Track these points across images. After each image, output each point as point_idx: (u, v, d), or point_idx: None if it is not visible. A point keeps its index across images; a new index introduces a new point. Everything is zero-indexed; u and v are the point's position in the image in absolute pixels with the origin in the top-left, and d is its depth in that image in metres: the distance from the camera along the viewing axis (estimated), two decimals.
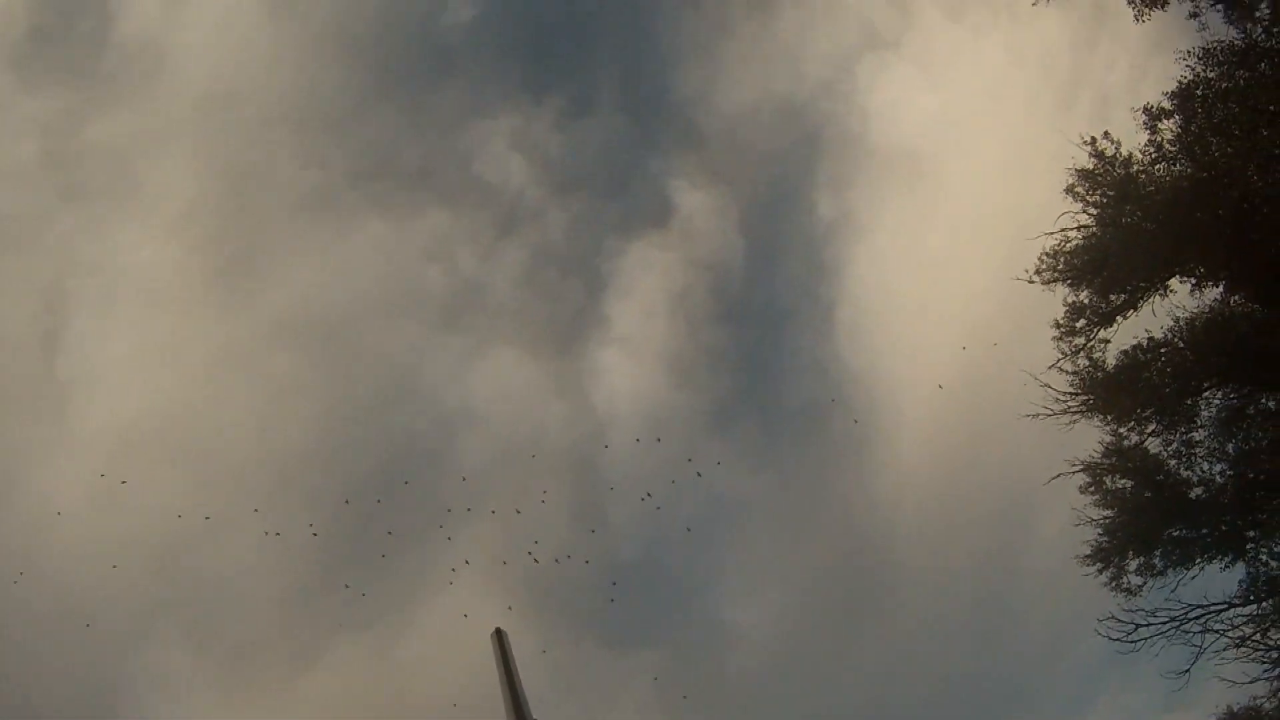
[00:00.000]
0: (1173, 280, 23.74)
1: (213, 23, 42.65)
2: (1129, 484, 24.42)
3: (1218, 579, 23.55)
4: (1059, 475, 24.34)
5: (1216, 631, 22.81)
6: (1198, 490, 24.46)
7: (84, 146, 41.99)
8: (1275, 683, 22.62)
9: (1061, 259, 23.71)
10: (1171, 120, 22.74)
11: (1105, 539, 24.03)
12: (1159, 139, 22.76)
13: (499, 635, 12.66)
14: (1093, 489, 24.49)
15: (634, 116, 45.28)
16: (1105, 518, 24.08)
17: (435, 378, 36.41)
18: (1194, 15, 23.11)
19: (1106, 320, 23.92)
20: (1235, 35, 22.63)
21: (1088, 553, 24.11)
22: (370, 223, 42.02)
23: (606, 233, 43.57)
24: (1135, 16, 23.77)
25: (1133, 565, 23.88)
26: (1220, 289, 23.94)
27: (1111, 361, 24.07)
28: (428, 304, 40.61)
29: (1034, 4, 24.56)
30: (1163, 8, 23.55)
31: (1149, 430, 24.27)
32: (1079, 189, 23.60)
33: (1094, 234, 23.43)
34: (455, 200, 43.38)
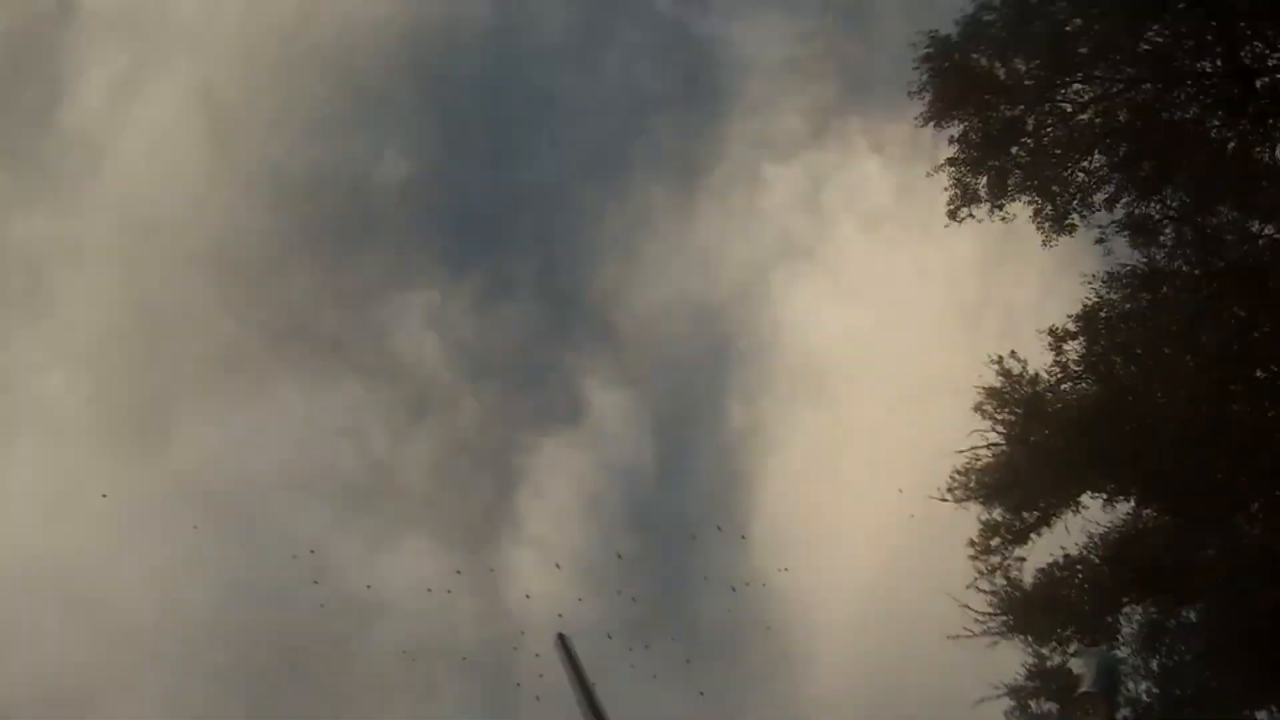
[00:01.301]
0: (1084, 496, 23.45)
1: (154, 131, 41.45)
2: (1054, 707, 23.53)
3: None
4: (983, 700, 23.36)
5: None
6: (1124, 712, 23.67)
7: (5, 241, 40.23)
8: None
9: (973, 477, 23.39)
10: (1077, 341, 22.93)
11: None
12: (1064, 359, 22.87)
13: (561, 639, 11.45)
14: (1018, 713, 23.54)
15: (551, 306, 45.30)
16: None
17: (342, 561, 34.50)
18: (1100, 240, 23.91)
19: (1021, 538, 23.53)
20: (1139, 259, 23.22)
21: None
22: (284, 387, 40.54)
23: (519, 427, 42.68)
24: (1043, 242, 24.48)
25: None
26: (1132, 503, 23.69)
27: (1029, 580, 23.58)
28: (337, 482, 38.93)
29: (945, 226, 25.77)
30: (1070, 234, 24.24)
31: (1071, 650, 23.53)
32: (988, 407, 23.49)
33: (1004, 452, 23.25)
34: (370, 374, 42.29)
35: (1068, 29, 25.50)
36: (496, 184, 46.69)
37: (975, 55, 25.92)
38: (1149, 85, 25.31)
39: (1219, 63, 24.98)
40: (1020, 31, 25.37)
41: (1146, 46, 25.08)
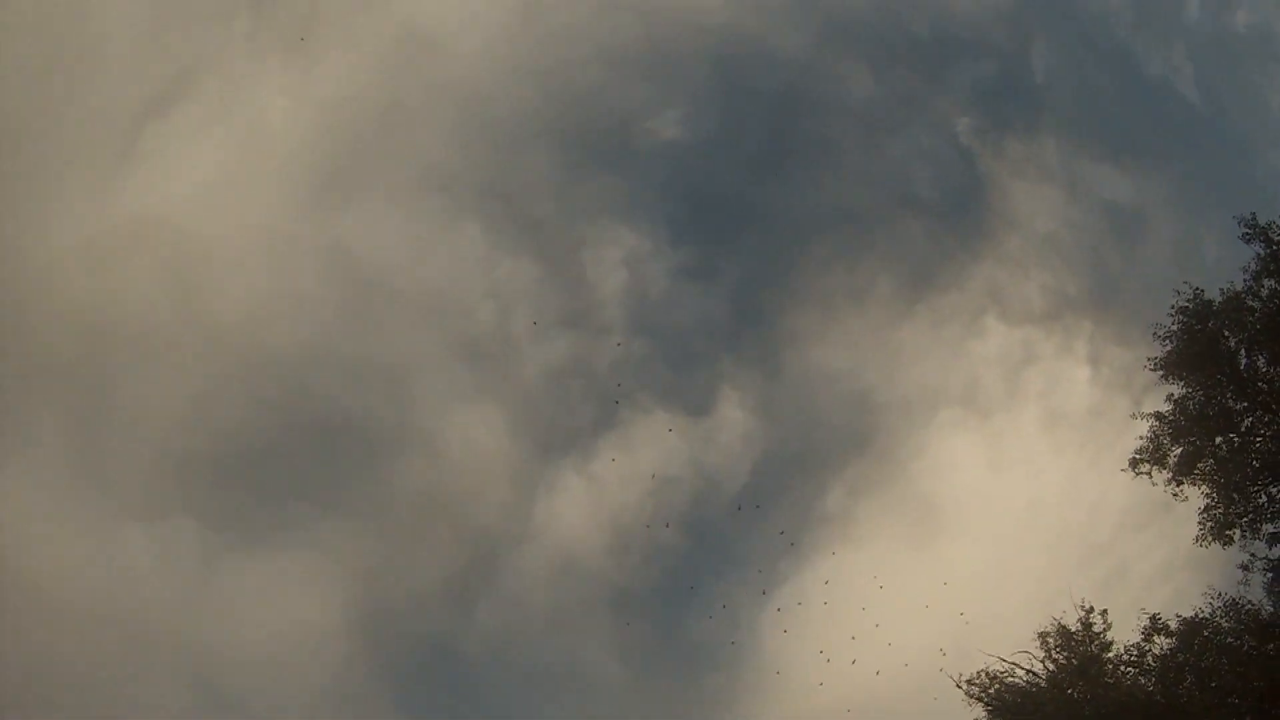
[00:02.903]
0: None
1: None
2: None
3: None
4: None
5: None
6: None
7: None
8: None
9: (997, 685, 23.94)
10: (1168, 639, 23.51)
11: None
12: (1149, 648, 23.54)
13: None
14: None
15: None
16: None
17: None
18: (1244, 567, 24.34)
19: None
20: (1267, 605, 23.31)
21: None
22: None
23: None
24: (1197, 537, 25.21)
25: None
26: None
27: None
28: None
29: (1121, 470, 26.44)
30: (1223, 544, 24.94)
31: None
32: (1051, 640, 24.22)
33: (1036, 683, 23.76)
34: None
35: None
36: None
37: (1227, 333, 25.65)
38: None
39: None
40: (1272, 332, 24.99)
41: None
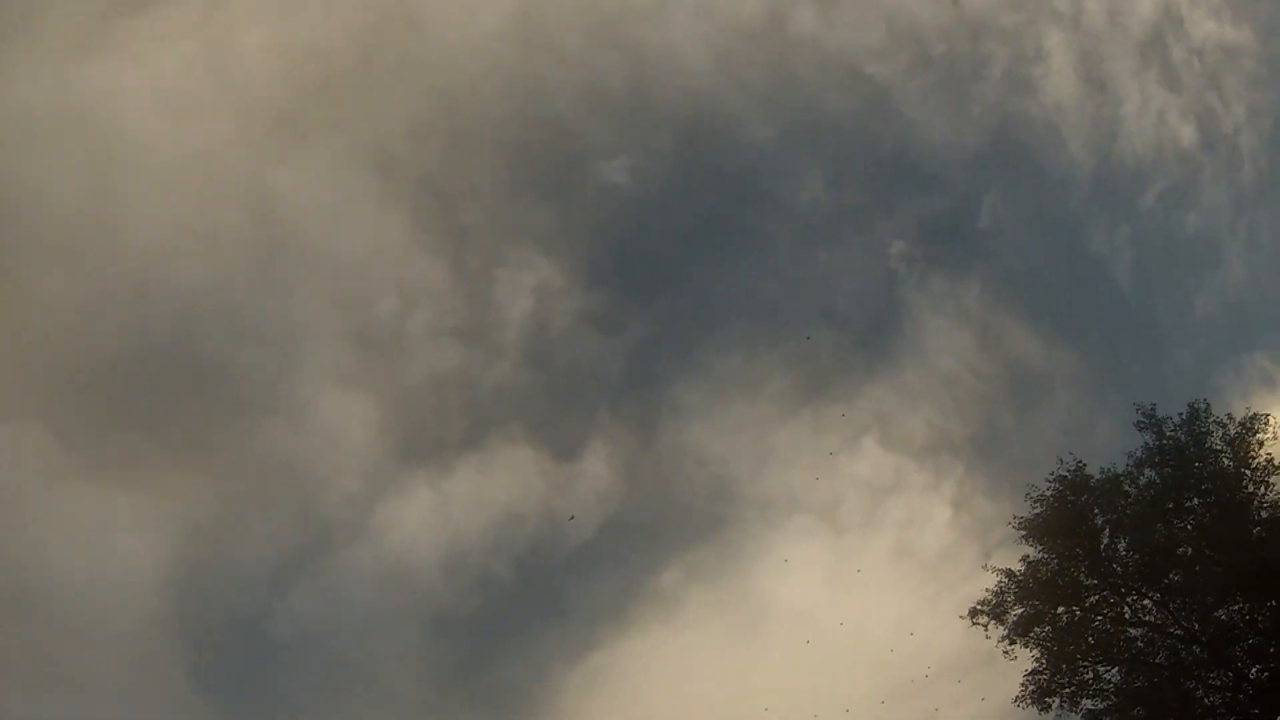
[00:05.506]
0: None
1: None
2: None
3: None
4: None
5: None
6: None
7: None
8: None
9: None
10: None
11: None
12: None
13: None
14: None
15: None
16: None
17: None
18: None
19: None
20: None
21: None
22: None
23: None
24: (1016, 696, 26.19)
25: None
26: None
27: None
28: None
29: (960, 616, 27.21)
30: (1040, 710, 25.85)
31: None
32: None
33: None
34: None
35: (1178, 552, 25.97)
36: None
37: (1097, 511, 26.48)
38: (1199, 651, 25.56)
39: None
40: (1143, 522, 25.96)
41: (1222, 616, 25.50)
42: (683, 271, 50.73)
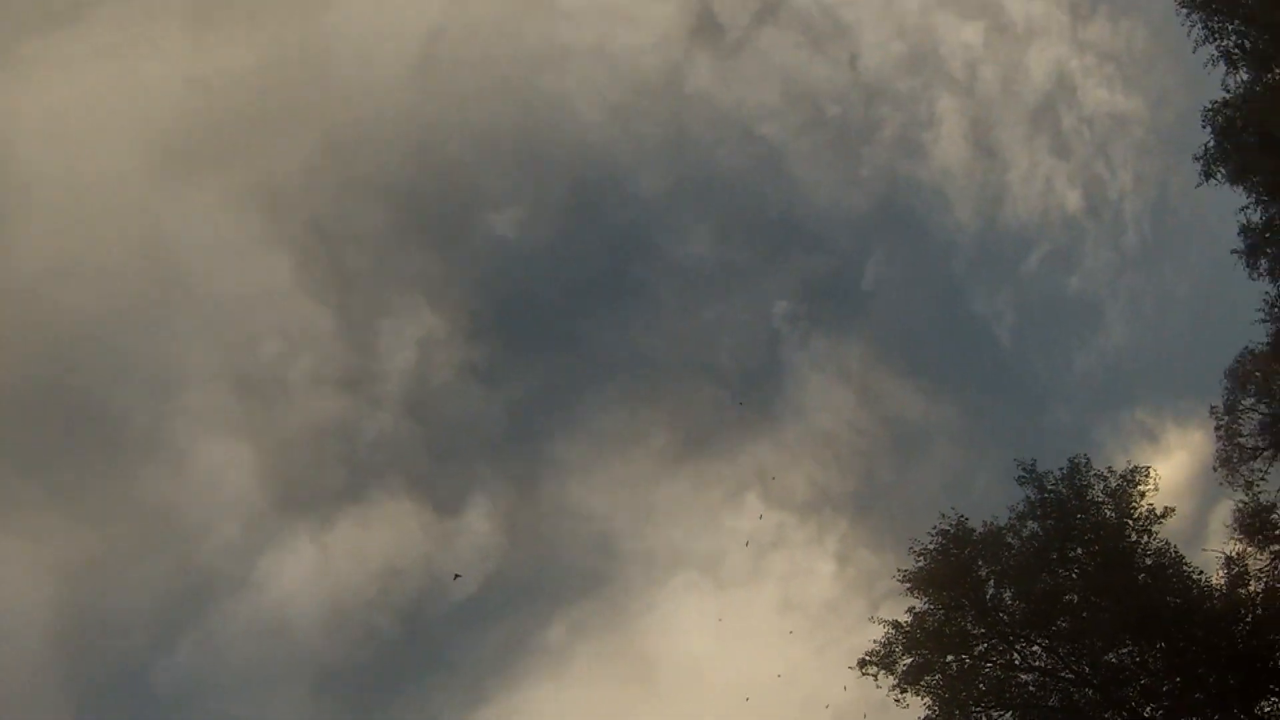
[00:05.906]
0: None
1: None
2: None
3: None
4: None
5: None
6: None
7: None
8: None
9: None
10: None
11: None
12: None
13: None
14: None
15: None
16: None
17: None
18: None
19: None
20: None
21: None
22: None
23: None
24: None
25: None
26: None
27: None
28: None
29: (849, 667, 28.38)
30: None
31: None
32: None
33: None
34: None
35: (1064, 600, 26.78)
36: None
37: (981, 563, 27.85)
38: (1091, 693, 25.91)
39: None
40: (1027, 572, 27.08)
41: (1113, 659, 25.86)
42: (567, 325, 51.52)
